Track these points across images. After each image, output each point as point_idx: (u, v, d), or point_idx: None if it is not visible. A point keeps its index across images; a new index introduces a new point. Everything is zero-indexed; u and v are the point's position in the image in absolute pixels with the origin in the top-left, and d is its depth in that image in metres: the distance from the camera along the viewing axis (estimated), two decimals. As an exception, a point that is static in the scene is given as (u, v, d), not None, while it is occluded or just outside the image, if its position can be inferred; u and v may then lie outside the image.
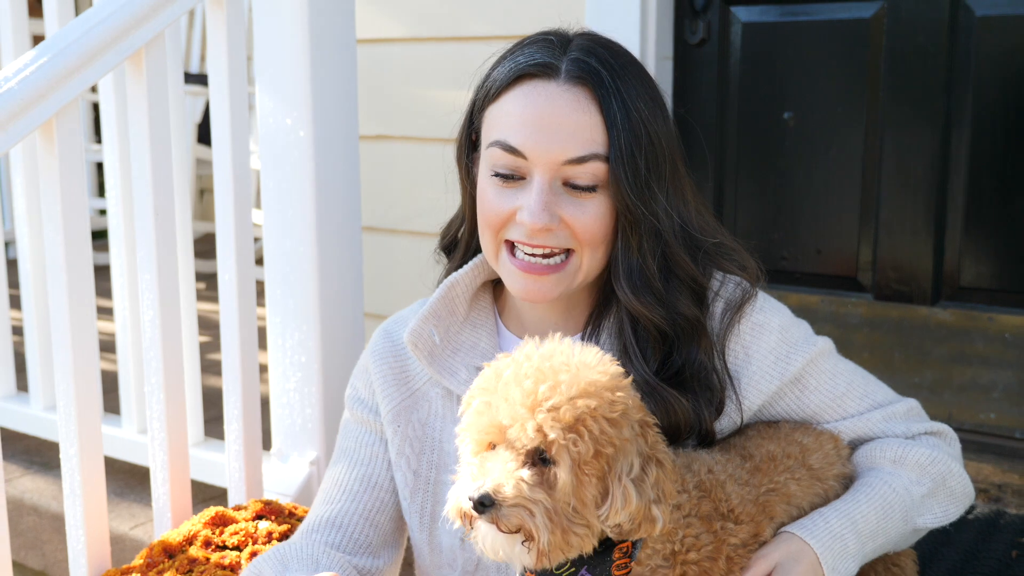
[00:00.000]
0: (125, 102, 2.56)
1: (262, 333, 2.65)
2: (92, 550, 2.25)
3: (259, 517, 2.24)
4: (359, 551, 1.85)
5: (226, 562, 2.10)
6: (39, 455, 3.37)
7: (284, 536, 2.18)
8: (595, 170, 1.67)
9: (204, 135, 5.71)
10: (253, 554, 2.10)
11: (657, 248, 1.72)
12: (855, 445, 1.88)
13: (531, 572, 1.54)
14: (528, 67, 1.69)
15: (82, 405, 2.18)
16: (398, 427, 1.88)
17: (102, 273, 3.30)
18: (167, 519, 2.39)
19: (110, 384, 3.33)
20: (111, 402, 3.26)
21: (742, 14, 3.30)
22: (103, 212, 5.97)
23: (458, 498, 1.46)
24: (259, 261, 4.68)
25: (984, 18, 2.95)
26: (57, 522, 3.01)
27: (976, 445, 2.93)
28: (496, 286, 1.95)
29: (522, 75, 1.70)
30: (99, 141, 6.47)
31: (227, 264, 2.45)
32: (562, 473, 1.41)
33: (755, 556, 1.63)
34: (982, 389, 3.04)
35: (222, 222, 2.44)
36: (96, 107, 6.36)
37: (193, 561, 2.11)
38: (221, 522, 2.22)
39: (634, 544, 1.53)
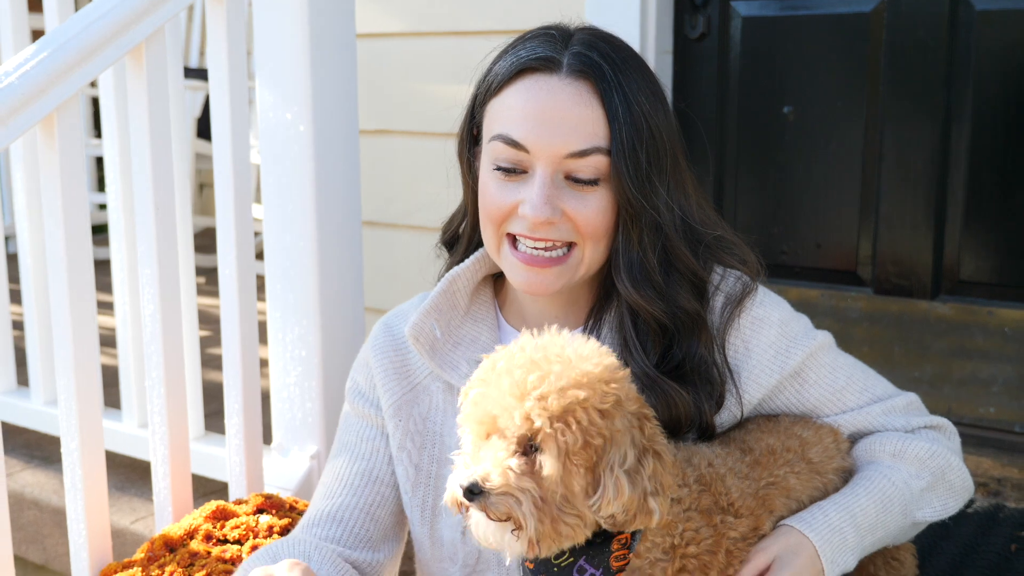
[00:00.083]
0: (125, 97, 2.56)
1: (262, 327, 2.66)
2: (93, 544, 2.25)
3: (260, 511, 2.24)
4: (359, 545, 1.85)
5: (227, 556, 2.10)
6: (40, 449, 3.37)
7: (285, 530, 2.18)
8: (597, 163, 1.68)
9: (203, 130, 5.71)
10: (254, 548, 2.11)
11: (658, 242, 1.72)
12: (855, 439, 1.88)
13: (530, 562, 1.55)
14: (530, 61, 1.70)
15: (83, 399, 2.18)
16: (399, 421, 1.89)
17: (102, 268, 3.31)
18: (168, 513, 2.39)
19: (110, 378, 3.34)
20: (111, 396, 3.26)
21: (742, 8, 3.30)
22: (103, 207, 5.97)
23: (452, 486, 1.48)
24: (259, 256, 4.68)
25: (984, 12, 2.95)
26: (58, 516, 3.02)
27: (976, 439, 2.94)
28: (497, 280, 1.95)
29: (524, 69, 1.70)
30: (99, 136, 6.46)
31: (227, 259, 2.45)
32: (548, 462, 1.42)
33: (754, 549, 1.63)
34: (982, 383, 3.04)
35: (222, 217, 2.44)
36: (95, 102, 6.36)
37: (194, 555, 2.11)
38: (222, 516, 2.22)
39: (633, 536, 1.53)
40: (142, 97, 2.26)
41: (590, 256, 1.74)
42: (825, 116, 3.21)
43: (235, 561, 2.09)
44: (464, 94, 1.86)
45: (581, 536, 1.48)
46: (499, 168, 1.72)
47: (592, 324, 1.82)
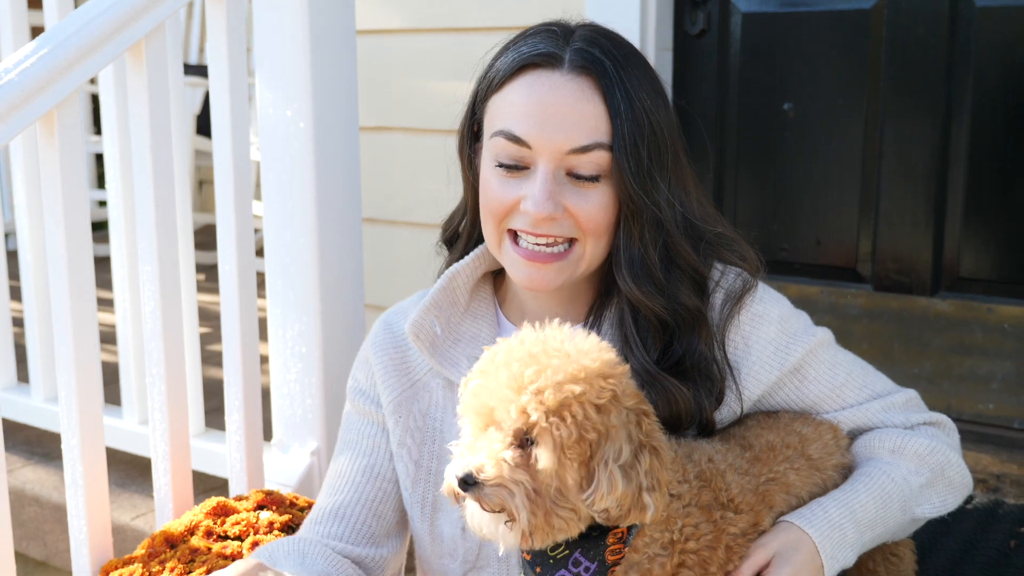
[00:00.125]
0: (125, 93, 2.56)
1: (262, 324, 2.66)
2: (94, 540, 2.25)
3: (260, 507, 2.25)
4: (362, 541, 1.85)
5: (228, 552, 2.10)
6: (40, 446, 3.38)
7: (285, 526, 2.18)
8: (599, 159, 1.68)
9: (203, 126, 5.71)
10: (255, 544, 2.11)
11: (659, 238, 1.73)
12: (854, 435, 1.88)
13: (527, 553, 1.56)
14: (532, 57, 1.70)
15: (83, 396, 2.18)
16: (399, 417, 1.89)
17: (102, 264, 3.31)
18: (168, 509, 2.39)
19: (111, 375, 3.34)
20: (112, 393, 3.27)
21: (742, 4, 3.30)
22: (102, 203, 5.97)
23: (449, 476, 1.49)
24: (259, 252, 4.68)
25: (984, 8, 2.95)
26: (58, 512, 3.02)
27: (975, 435, 2.94)
28: (497, 277, 1.95)
29: (526, 65, 1.70)
30: (98, 132, 6.46)
31: (228, 255, 2.45)
32: (544, 455, 1.43)
33: (754, 545, 1.64)
34: (981, 379, 3.04)
35: (222, 213, 2.44)
36: (95, 98, 6.35)
37: (195, 551, 2.12)
38: (223, 512, 2.23)
39: (628, 530, 1.53)
40: (142, 94, 2.26)
41: (591, 252, 1.74)
42: (825, 113, 3.21)
43: (236, 557, 2.09)
44: (464, 91, 1.86)
45: (575, 529, 1.49)
46: (501, 164, 1.72)
47: (592, 321, 1.82)
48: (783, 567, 1.61)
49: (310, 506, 2.30)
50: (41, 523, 3.08)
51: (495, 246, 1.79)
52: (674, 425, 1.71)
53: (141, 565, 2.13)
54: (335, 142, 2.51)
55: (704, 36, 3.37)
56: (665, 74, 3.36)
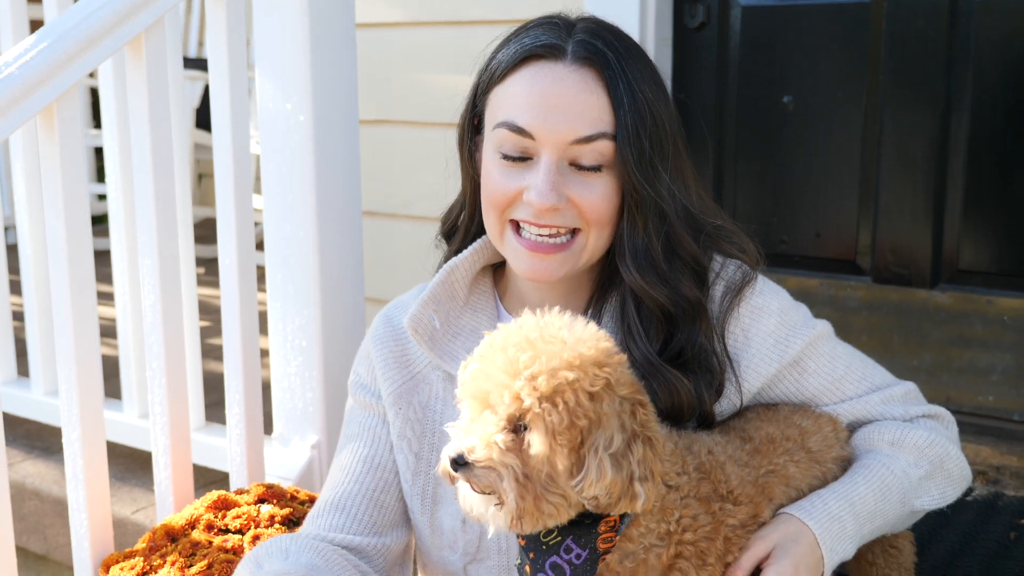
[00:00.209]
0: (124, 87, 2.56)
1: (263, 318, 2.66)
2: (95, 534, 2.26)
3: (261, 501, 2.25)
4: (364, 531, 1.85)
5: (229, 545, 2.11)
6: (40, 440, 3.38)
7: (286, 519, 2.19)
8: (602, 149, 1.69)
9: (202, 120, 5.70)
10: (256, 537, 2.12)
11: (661, 229, 1.73)
12: (853, 428, 1.89)
13: (522, 539, 1.57)
14: (535, 48, 1.70)
15: (84, 390, 2.19)
16: (399, 409, 1.89)
17: (101, 258, 3.31)
18: (169, 503, 2.40)
19: (111, 369, 3.34)
20: (112, 387, 3.27)
21: (741, -3, 3.30)
22: (102, 197, 5.97)
23: (443, 456, 1.50)
24: (259, 246, 4.68)
25: (984, 2, 2.94)
26: (59, 506, 3.03)
27: (974, 427, 2.95)
28: (496, 270, 1.95)
29: (529, 56, 1.71)
30: (98, 126, 6.46)
31: (228, 249, 2.45)
32: (536, 441, 1.43)
33: (754, 537, 1.64)
34: (981, 372, 3.05)
35: (222, 207, 2.44)
36: (94, 92, 6.35)
37: (196, 545, 2.12)
38: (223, 506, 2.23)
39: (621, 519, 1.54)
40: (142, 88, 2.26)
41: (594, 242, 1.74)
42: (825, 105, 3.21)
43: (237, 551, 2.10)
44: (465, 84, 1.86)
45: (564, 516, 1.50)
46: (505, 155, 1.72)
47: (592, 313, 1.82)
48: (783, 559, 1.61)
49: (311, 499, 2.31)
50: (41, 517, 3.09)
51: (497, 237, 1.79)
52: (676, 417, 1.72)
53: (142, 559, 2.13)
54: (335, 136, 2.51)
55: (703, 29, 3.36)
56: (664, 67, 3.36)
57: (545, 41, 1.70)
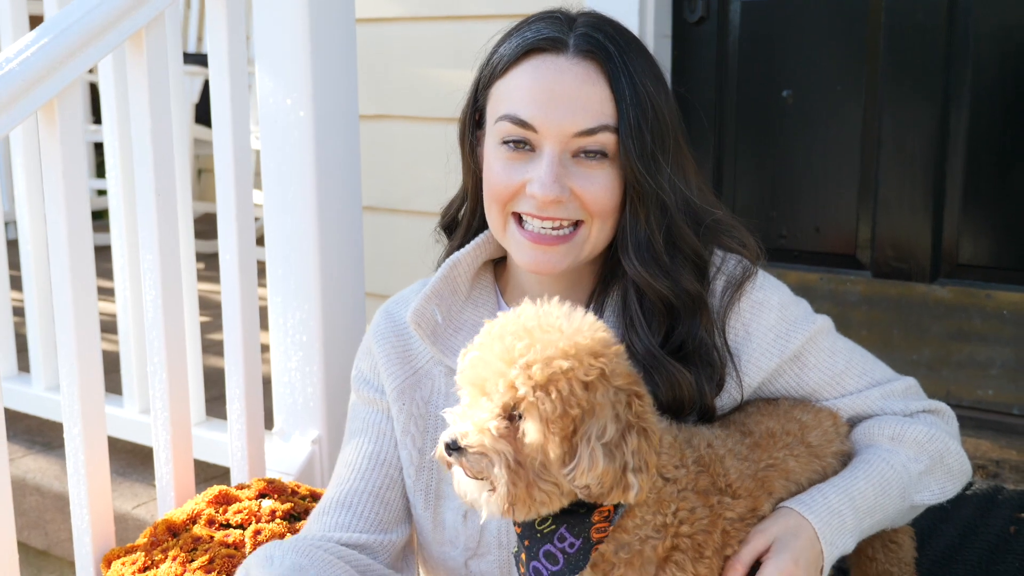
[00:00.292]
0: (125, 83, 2.56)
1: (263, 313, 2.66)
2: (96, 529, 2.26)
3: (262, 496, 2.26)
4: (369, 528, 1.86)
5: (230, 540, 2.11)
6: (41, 435, 3.39)
7: (287, 514, 2.19)
8: (604, 141, 1.69)
9: (201, 115, 5.70)
10: (256, 532, 2.12)
11: (663, 221, 1.74)
12: (853, 422, 1.89)
13: (518, 526, 1.59)
14: (537, 41, 1.71)
15: (85, 385, 2.19)
16: (403, 405, 1.89)
17: (101, 253, 3.31)
18: (170, 498, 2.40)
19: (111, 364, 3.34)
20: (112, 382, 3.27)
21: (741, -8, 3.30)
22: (102, 192, 5.97)
23: (439, 442, 1.52)
24: (259, 241, 4.68)
25: (983, -5, 2.95)
26: (60, 502, 3.03)
27: (974, 421, 2.95)
28: (497, 265, 1.96)
29: (531, 49, 1.71)
30: (98, 121, 6.46)
31: (228, 244, 2.45)
32: (529, 429, 1.44)
33: (753, 531, 1.64)
34: (980, 366, 3.05)
35: (223, 202, 2.44)
36: (94, 87, 6.35)
37: (197, 539, 2.12)
38: (224, 501, 2.23)
39: (615, 509, 1.54)
40: (142, 83, 2.26)
41: (596, 234, 1.75)
42: (824, 100, 3.21)
43: (238, 546, 2.10)
44: (465, 79, 1.86)
45: (556, 504, 1.51)
46: (506, 148, 1.72)
47: (594, 306, 1.83)
48: (782, 552, 1.62)
49: (311, 494, 2.31)
50: (42, 512, 3.09)
51: (499, 230, 1.79)
52: (677, 410, 1.72)
53: (143, 554, 2.13)
54: (335, 130, 2.51)
55: (703, 24, 3.36)
56: (664, 62, 3.36)
57: (547, 34, 1.71)
